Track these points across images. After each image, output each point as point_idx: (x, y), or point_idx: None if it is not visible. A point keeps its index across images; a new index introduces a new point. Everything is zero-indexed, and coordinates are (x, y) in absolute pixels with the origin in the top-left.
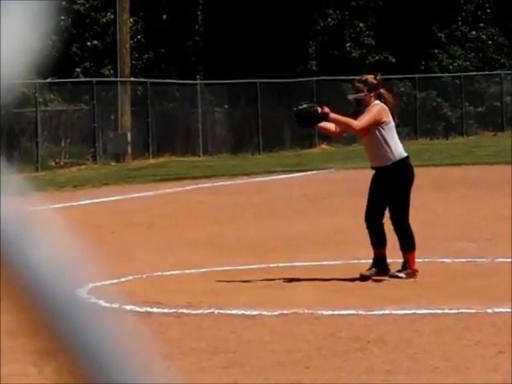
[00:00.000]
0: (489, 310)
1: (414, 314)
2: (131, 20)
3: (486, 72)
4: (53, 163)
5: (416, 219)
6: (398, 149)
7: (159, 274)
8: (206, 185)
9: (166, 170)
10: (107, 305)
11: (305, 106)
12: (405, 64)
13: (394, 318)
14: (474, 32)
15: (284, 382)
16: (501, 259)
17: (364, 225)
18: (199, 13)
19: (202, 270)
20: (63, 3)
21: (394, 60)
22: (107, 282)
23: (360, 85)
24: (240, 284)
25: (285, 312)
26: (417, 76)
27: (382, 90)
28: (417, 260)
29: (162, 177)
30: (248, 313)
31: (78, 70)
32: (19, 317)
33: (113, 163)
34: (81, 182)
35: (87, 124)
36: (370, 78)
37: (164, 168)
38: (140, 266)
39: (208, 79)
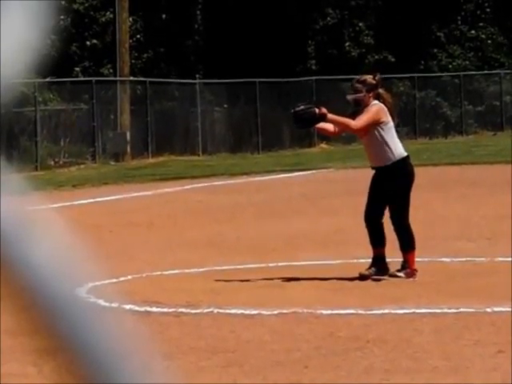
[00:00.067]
0: (488, 310)
1: (414, 313)
2: (130, 19)
3: (486, 71)
4: (52, 162)
5: (415, 219)
6: (398, 148)
7: (158, 273)
8: (205, 184)
9: (165, 169)
10: (106, 304)
11: (302, 107)
12: (404, 63)
13: (394, 318)
14: (473, 31)
15: (283, 381)
16: (500, 258)
17: (363, 224)
18: (198, 12)
19: (202, 270)
20: (62, 3)
21: (393, 59)
22: (106, 282)
23: (359, 85)
24: (239, 283)
25: (284, 311)
26: (416, 75)
27: (380, 90)
28: (416, 259)
29: (162, 176)
30: (247, 312)
31: (77, 69)
32: (19, 316)
33: (112, 162)
34: (80, 181)
35: (86, 123)
36: (369, 78)
37: (163, 167)
38: (139, 266)
39: (207, 78)
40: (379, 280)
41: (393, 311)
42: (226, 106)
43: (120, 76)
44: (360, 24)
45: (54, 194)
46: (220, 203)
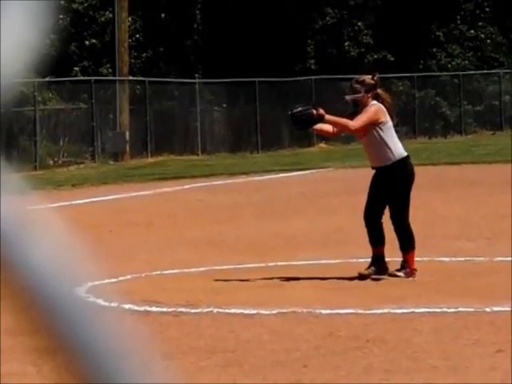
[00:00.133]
0: (487, 309)
1: (413, 312)
2: (130, 19)
3: (485, 71)
4: (51, 162)
5: (415, 218)
6: (398, 148)
7: (158, 273)
8: (204, 184)
9: (165, 168)
10: (106, 304)
11: (300, 108)
12: (403, 63)
13: (393, 317)
14: (472, 31)
15: (283, 381)
16: (500, 258)
17: (363, 224)
18: (198, 12)
19: (201, 269)
20: (62, 2)
21: (392, 59)
22: (106, 281)
23: (357, 85)
24: (239, 283)
25: (283, 311)
26: (415, 75)
27: (379, 91)
28: (415, 259)
29: (161, 176)
30: (247, 312)
31: (76, 68)
32: (18, 316)
33: (111, 162)
34: (79, 180)
35: (86, 123)
36: (368, 78)
37: (162, 167)
38: (139, 265)
39: (207, 78)
40: (379, 279)
41: (392, 311)
42: (225, 105)
43: (119, 75)
44: (359, 23)
45: (53, 194)
46: (219, 203)
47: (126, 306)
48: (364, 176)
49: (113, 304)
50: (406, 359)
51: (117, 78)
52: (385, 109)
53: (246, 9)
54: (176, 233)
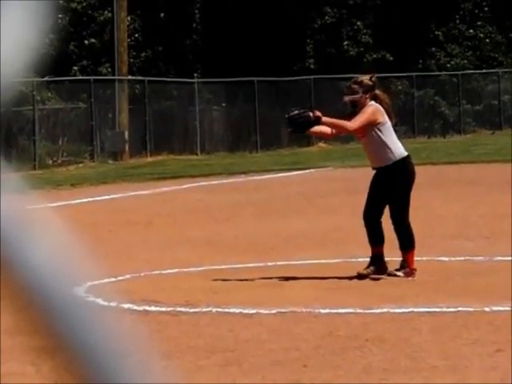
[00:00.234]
0: (487, 309)
1: (412, 312)
2: (129, 18)
3: (484, 70)
4: (50, 161)
5: (414, 218)
6: (398, 148)
7: (157, 272)
8: (203, 183)
9: (164, 168)
10: (105, 303)
11: (296, 111)
12: (402, 62)
13: (392, 317)
14: (471, 30)
15: (282, 380)
16: (499, 257)
17: (362, 223)
18: (197, 11)
19: (200, 269)
20: (61, 2)
21: (391, 58)
22: (105, 281)
23: (355, 86)
24: (238, 282)
25: (283, 310)
26: (414, 74)
27: (377, 91)
28: (415, 258)
29: (160, 175)
30: (246, 311)
31: (75, 68)
32: (17, 315)
33: (110, 161)
34: (78, 180)
35: (85, 122)
36: (366, 79)
37: (162, 166)
38: (138, 265)
39: (206, 77)
40: (378, 279)
41: (391, 310)
42: (224, 104)
43: (118, 75)
44: (358, 23)
45: (52, 193)
46: (218, 202)
47: (125, 306)
48: (363, 175)
49: (112, 303)
50: (405, 359)
51: (116, 77)
52: (383, 109)
53: (245, 8)
54: (175, 232)
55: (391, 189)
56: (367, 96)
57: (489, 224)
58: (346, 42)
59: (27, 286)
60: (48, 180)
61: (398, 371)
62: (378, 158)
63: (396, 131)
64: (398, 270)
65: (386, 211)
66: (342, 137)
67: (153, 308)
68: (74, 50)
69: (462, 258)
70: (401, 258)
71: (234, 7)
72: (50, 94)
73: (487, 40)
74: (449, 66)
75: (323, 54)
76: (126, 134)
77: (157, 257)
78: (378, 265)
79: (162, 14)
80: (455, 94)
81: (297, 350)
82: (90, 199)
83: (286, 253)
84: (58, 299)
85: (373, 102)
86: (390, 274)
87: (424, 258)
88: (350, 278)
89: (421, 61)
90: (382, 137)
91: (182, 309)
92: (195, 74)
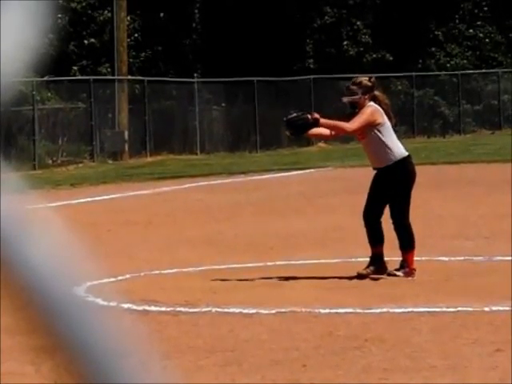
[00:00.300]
0: (486, 309)
1: (412, 312)
2: (128, 18)
3: (484, 70)
4: (50, 161)
5: (414, 218)
6: (398, 148)
7: (157, 272)
8: (203, 183)
9: (164, 168)
10: (105, 303)
11: (294, 114)
12: (402, 62)
13: (392, 317)
14: (471, 30)
15: (281, 380)
16: (498, 257)
17: (362, 223)
18: (196, 11)
19: (200, 269)
20: (60, 1)
21: (391, 58)
22: (105, 281)
23: (354, 87)
24: (237, 282)
25: (282, 310)
26: (414, 74)
27: (376, 92)
28: (414, 258)
29: (160, 175)
30: (246, 311)
31: (75, 68)
32: (17, 315)
33: (110, 161)
34: (78, 180)
35: (84, 122)
36: (365, 80)
37: (161, 166)
38: (138, 265)
39: (205, 77)
40: (377, 279)
41: (391, 310)
42: (224, 104)
43: (118, 75)
44: (358, 23)
45: (51, 193)
46: (218, 202)
47: (125, 306)
48: (363, 175)
49: (111, 303)
50: (405, 358)
51: (116, 77)
52: (382, 110)
53: (245, 8)
54: (175, 232)
55: (392, 188)
56: (366, 97)
57: (488, 224)
58: (345, 42)
59: (27, 286)
60: (47, 180)
61: (398, 371)
62: (378, 158)
63: (396, 131)
64: (397, 269)
65: (386, 211)
66: (341, 137)
67: (152, 308)
68: (73, 49)
69: (462, 258)
70: (401, 258)
71: (233, 7)
72: (49, 94)
73: (487, 40)
74: (448, 65)
75: (323, 54)
76: (126, 133)
77: (156, 256)
78: (377, 265)
79: (162, 14)
80: (455, 94)
81: (296, 349)
82: (90, 199)
83: (285, 253)
84: (58, 299)
85: (372, 103)
86: (389, 274)
87: (424, 258)
88: (350, 278)
89: (420, 61)
90: (382, 137)
91: (182, 309)
92: (195, 74)
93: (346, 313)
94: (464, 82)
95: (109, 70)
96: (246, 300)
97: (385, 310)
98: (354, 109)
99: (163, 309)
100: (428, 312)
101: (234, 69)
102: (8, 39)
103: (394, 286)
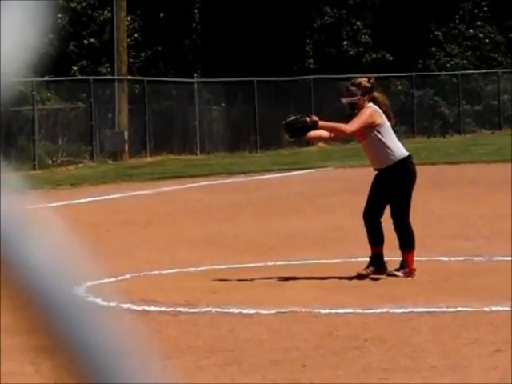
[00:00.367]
0: (486, 309)
1: (412, 312)
2: (128, 18)
3: (484, 70)
4: (50, 161)
5: (414, 218)
6: (399, 149)
7: (157, 272)
8: (203, 183)
9: (164, 168)
10: (105, 303)
11: (293, 117)
12: (402, 62)
13: (392, 317)
14: (471, 30)
15: (281, 380)
16: (498, 257)
17: (362, 223)
18: (196, 11)
19: (200, 269)
20: (60, 1)
21: (391, 58)
22: (105, 281)
23: (353, 88)
24: (237, 282)
25: (282, 310)
26: (414, 74)
27: (375, 93)
28: (414, 258)
29: (160, 175)
30: (245, 311)
31: (75, 68)
32: (17, 315)
33: (110, 161)
34: (78, 180)
35: (84, 122)
36: (364, 81)
37: (161, 166)
38: (138, 265)
39: (205, 77)
40: (377, 279)
41: (391, 310)
42: (224, 104)
43: (118, 75)
44: (358, 23)
45: (51, 193)
46: (218, 202)
47: (125, 306)
48: (363, 175)
49: (111, 303)
50: (405, 358)
51: (115, 77)
52: (381, 111)
53: (245, 8)
54: (175, 232)
55: (392, 188)
56: (365, 98)
57: (488, 224)
58: (345, 42)
59: (27, 286)
60: (47, 180)
61: (398, 371)
62: (378, 159)
63: (395, 131)
64: (397, 269)
65: (387, 211)
66: (341, 137)
67: (152, 308)
68: (73, 49)
69: (462, 258)
70: (401, 258)
71: (233, 7)
72: (49, 94)
73: (487, 40)
74: (448, 66)
75: (323, 54)
76: (126, 134)
77: (156, 256)
78: (377, 265)
79: (162, 14)
80: (455, 94)
81: (296, 349)
82: (90, 199)
83: (285, 253)
84: (58, 299)
85: (371, 104)
86: (389, 274)
87: (424, 258)
88: (350, 278)
89: (420, 61)
90: (382, 138)
91: (182, 309)
92: (195, 74)
93: (345, 313)
94: (464, 82)
95: (109, 70)
96: (245, 300)
97: (385, 310)
98: (353, 110)
99: (163, 309)
100: (428, 312)
101: (233, 69)
102: (8, 39)
103: (393, 286)
